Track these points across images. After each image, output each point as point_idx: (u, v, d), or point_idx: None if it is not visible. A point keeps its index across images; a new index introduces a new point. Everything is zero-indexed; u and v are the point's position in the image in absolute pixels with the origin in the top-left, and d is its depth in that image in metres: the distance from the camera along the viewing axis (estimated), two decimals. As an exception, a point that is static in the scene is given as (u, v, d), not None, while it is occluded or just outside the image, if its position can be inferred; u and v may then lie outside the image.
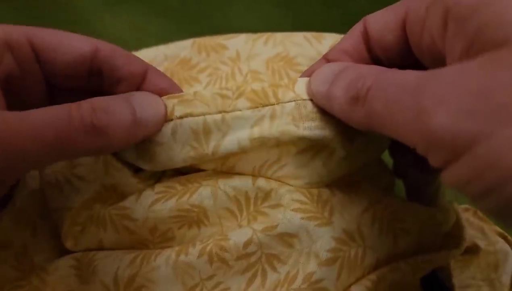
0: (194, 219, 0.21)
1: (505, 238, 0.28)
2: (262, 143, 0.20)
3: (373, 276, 0.21)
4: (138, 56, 0.30)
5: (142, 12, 0.44)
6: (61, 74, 0.20)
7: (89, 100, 0.18)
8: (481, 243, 0.27)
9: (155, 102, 0.20)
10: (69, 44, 0.20)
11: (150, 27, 0.43)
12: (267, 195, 0.21)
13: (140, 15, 0.44)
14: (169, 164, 0.21)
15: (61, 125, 0.17)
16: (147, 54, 0.29)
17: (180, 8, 0.45)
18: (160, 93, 0.21)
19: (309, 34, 0.28)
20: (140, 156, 0.21)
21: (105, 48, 0.20)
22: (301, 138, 0.20)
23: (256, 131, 0.20)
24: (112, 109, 0.18)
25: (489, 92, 0.13)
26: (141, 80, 0.21)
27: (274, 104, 0.20)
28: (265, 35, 0.28)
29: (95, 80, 0.21)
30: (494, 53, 0.14)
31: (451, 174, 0.14)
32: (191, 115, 0.20)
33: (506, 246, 0.28)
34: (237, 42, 0.28)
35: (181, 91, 0.21)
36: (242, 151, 0.20)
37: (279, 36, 0.28)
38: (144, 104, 0.19)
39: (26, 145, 0.16)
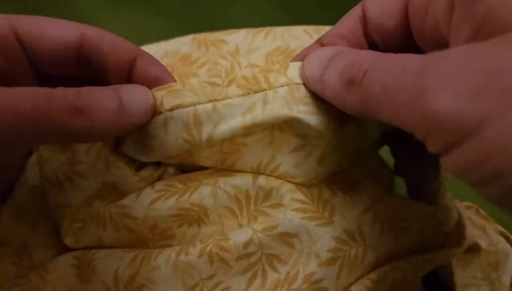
0: (194, 217, 0.21)
1: (506, 238, 0.28)
2: (256, 132, 0.20)
3: (373, 275, 0.21)
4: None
5: (143, 12, 0.44)
6: (47, 62, 0.20)
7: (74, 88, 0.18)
8: (482, 243, 0.27)
9: (143, 92, 0.19)
10: (53, 32, 0.19)
11: (151, 28, 0.43)
12: (267, 194, 0.21)
13: (141, 16, 0.44)
14: (166, 155, 0.20)
15: (41, 99, 0.16)
16: (147, 51, 0.29)
17: (181, 8, 0.45)
18: (152, 80, 0.20)
19: (309, 28, 0.27)
20: (139, 150, 0.21)
21: (92, 34, 0.19)
22: (294, 130, 0.19)
23: (249, 118, 0.19)
24: (98, 95, 0.17)
25: (499, 73, 0.12)
26: (130, 67, 0.20)
27: (266, 89, 0.19)
28: (265, 29, 0.27)
29: (84, 68, 0.20)
30: (505, 36, 0.13)
31: (453, 159, 0.13)
32: (181, 106, 0.19)
33: (507, 246, 0.27)
34: (237, 37, 0.27)
35: (173, 78, 0.21)
36: (239, 145, 0.20)
37: (279, 30, 0.27)
38: (132, 93, 0.19)
39: (2, 119, 0.15)
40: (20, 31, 0.19)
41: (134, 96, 0.19)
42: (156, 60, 0.21)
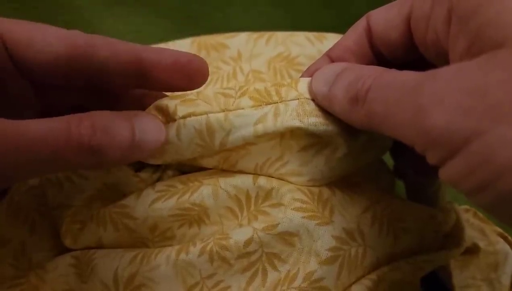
0: (194, 218, 0.21)
1: (505, 239, 0.28)
2: (267, 140, 0.20)
3: (373, 276, 0.21)
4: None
5: (142, 13, 0.44)
6: (37, 72, 0.19)
7: (90, 115, 0.17)
8: (481, 244, 0.27)
9: (157, 128, 0.19)
10: (41, 41, 0.18)
11: (150, 28, 0.43)
12: (268, 194, 0.21)
13: (140, 16, 0.44)
14: (179, 158, 0.21)
15: (59, 142, 0.16)
16: None
17: (180, 9, 0.45)
18: (172, 64, 0.19)
19: (310, 34, 0.28)
20: (149, 155, 0.21)
21: (83, 42, 0.19)
22: (306, 134, 0.20)
23: (260, 128, 0.20)
24: (112, 130, 0.17)
25: (484, 91, 0.13)
26: (136, 67, 0.19)
27: (277, 102, 0.20)
28: (266, 34, 0.28)
29: (82, 77, 0.19)
30: (492, 54, 0.14)
31: (447, 171, 0.14)
32: (193, 114, 0.20)
33: (506, 247, 0.28)
34: (238, 41, 0.28)
35: (198, 56, 0.20)
36: (248, 144, 0.20)
37: (280, 35, 0.28)
38: (145, 128, 0.19)
39: (20, 158, 0.16)
40: (7, 39, 0.18)
41: (147, 131, 0.19)
42: (162, 48, 0.20)
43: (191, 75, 0.20)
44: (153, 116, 0.20)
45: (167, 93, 0.22)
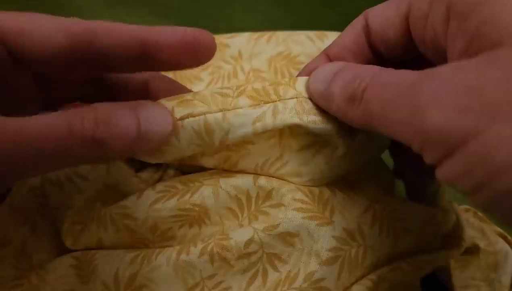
0: (195, 218, 0.21)
1: (505, 238, 0.28)
2: (266, 138, 0.20)
3: (373, 276, 0.21)
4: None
5: (142, 13, 0.44)
6: (38, 64, 0.18)
7: (93, 107, 0.17)
8: (481, 243, 0.27)
9: (163, 117, 0.19)
10: (37, 32, 0.17)
11: (150, 28, 0.43)
12: (268, 194, 0.21)
13: (140, 16, 0.44)
14: (180, 157, 0.21)
15: (61, 137, 0.16)
16: None
17: (180, 9, 0.45)
18: (176, 45, 0.18)
19: (311, 33, 0.28)
20: (149, 154, 0.21)
21: (83, 29, 0.18)
22: (305, 132, 0.20)
23: (259, 126, 0.19)
24: (116, 122, 0.17)
25: (481, 90, 0.13)
26: (141, 50, 0.18)
27: (275, 101, 0.20)
28: (267, 34, 0.28)
29: (86, 68, 0.19)
30: (489, 53, 0.14)
31: (444, 170, 0.14)
32: (191, 115, 0.20)
33: (506, 246, 0.28)
34: (239, 40, 0.28)
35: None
36: (247, 143, 0.20)
37: (281, 34, 0.28)
38: (151, 118, 0.18)
39: (22, 156, 0.15)
40: (2, 32, 0.18)
41: (153, 121, 0.18)
42: (164, 28, 0.19)
43: (198, 52, 0.19)
44: (158, 104, 0.19)
45: (167, 96, 0.22)
